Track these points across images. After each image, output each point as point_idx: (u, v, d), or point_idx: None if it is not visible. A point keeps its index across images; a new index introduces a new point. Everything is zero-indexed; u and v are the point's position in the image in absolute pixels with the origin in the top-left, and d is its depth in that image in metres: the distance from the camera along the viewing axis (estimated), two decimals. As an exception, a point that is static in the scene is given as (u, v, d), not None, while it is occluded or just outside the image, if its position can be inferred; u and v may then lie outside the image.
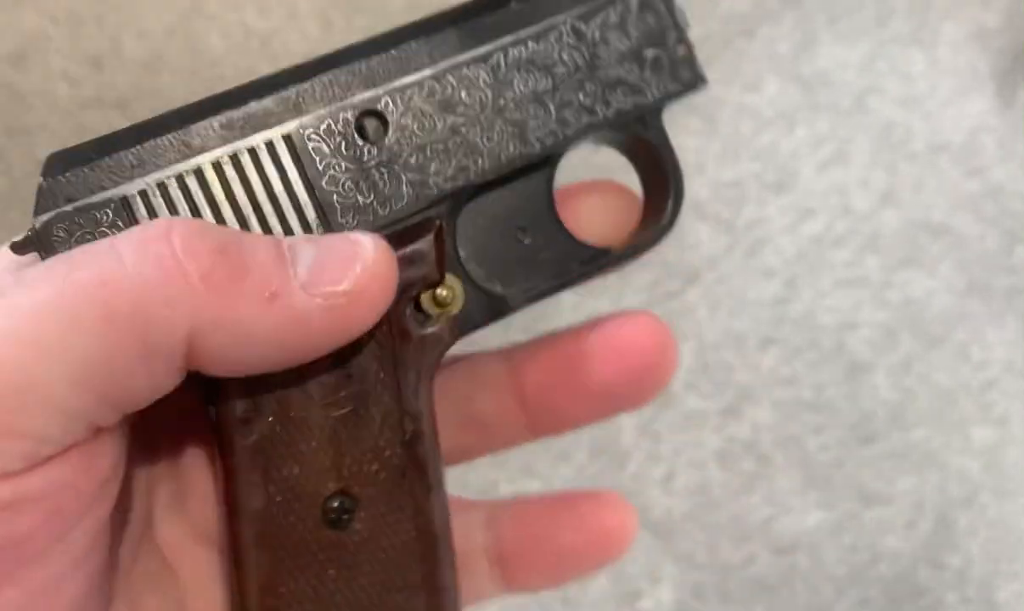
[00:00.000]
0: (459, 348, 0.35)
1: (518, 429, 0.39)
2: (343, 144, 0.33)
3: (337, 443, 0.32)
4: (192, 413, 0.34)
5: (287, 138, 0.33)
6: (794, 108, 0.66)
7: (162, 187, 0.31)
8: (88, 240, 0.30)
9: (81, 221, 0.30)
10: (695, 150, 0.65)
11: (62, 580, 0.27)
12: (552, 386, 0.38)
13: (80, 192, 0.31)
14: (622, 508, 0.37)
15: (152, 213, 0.31)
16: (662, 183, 0.38)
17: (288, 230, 0.32)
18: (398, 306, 0.33)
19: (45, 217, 0.30)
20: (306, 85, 0.33)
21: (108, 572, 0.30)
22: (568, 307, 0.58)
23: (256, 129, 0.32)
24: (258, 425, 0.32)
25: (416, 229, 0.34)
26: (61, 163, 0.31)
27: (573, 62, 0.36)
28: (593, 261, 0.37)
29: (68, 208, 0.30)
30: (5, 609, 0.26)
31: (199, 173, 0.32)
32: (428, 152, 0.34)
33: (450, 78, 0.34)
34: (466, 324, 0.35)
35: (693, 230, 0.64)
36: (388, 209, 0.33)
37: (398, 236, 0.33)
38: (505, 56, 0.35)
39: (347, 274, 0.28)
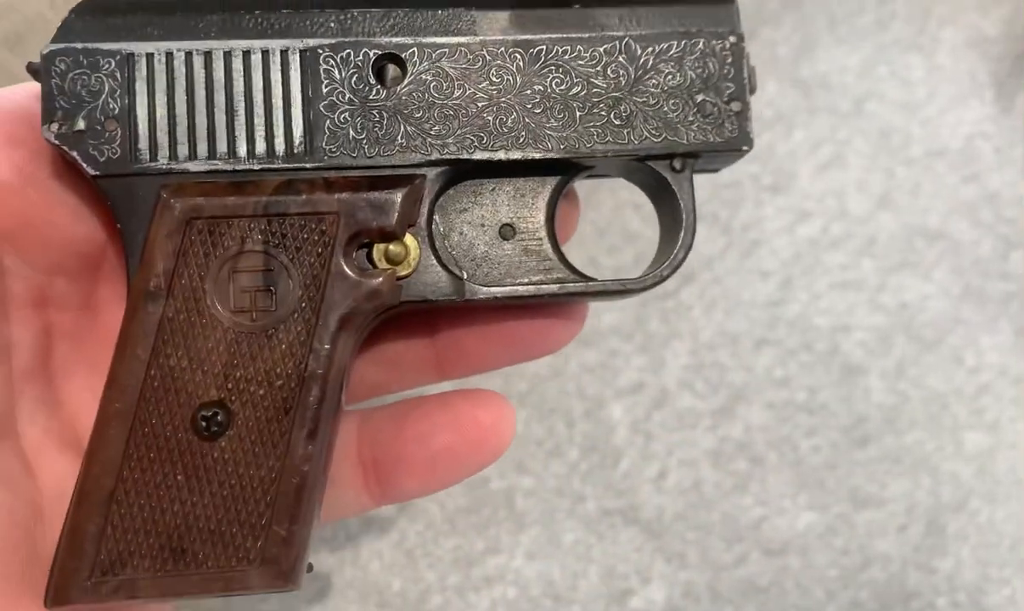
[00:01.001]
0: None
1: (427, 369, 0.38)
2: (355, 77, 0.33)
3: (233, 354, 0.32)
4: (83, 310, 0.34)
5: (304, 52, 0.33)
6: (793, 110, 0.67)
7: (168, 56, 0.32)
8: (85, 80, 0.31)
9: (84, 61, 0.31)
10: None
11: None
12: (463, 330, 0.38)
13: (95, 36, 0.32)
14: (498, 405, 0.37)
15: (151, 76, 0.32)
16: (675, 231, 0.37)
17: (270, 138, 0.33)
18: (348, 246, 0.33)
19: (52, 47, 0.31)
20: (343, 13, 0.34)
21: None
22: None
23: (279, 35, 0.33)
24: (164, 303, 0.32)
25: (397, 180, 0.34)
26: (92, 7, 0.32)
27: (616, 79, 0.35)
28: (571, 284, 0.36)
29: (77, 45, 0.32)
30: None
31: (207, 56, 0.32)
32: (435, 114, 0.34)
33: (485, 53, 0.34)
34: (412, 291, 0.34)
35: (690, 229, 0.64)
36: (376, 152, 0.33)
37: (378, 179, 0.33)
38: (548, 50, 0.35)
39: None
